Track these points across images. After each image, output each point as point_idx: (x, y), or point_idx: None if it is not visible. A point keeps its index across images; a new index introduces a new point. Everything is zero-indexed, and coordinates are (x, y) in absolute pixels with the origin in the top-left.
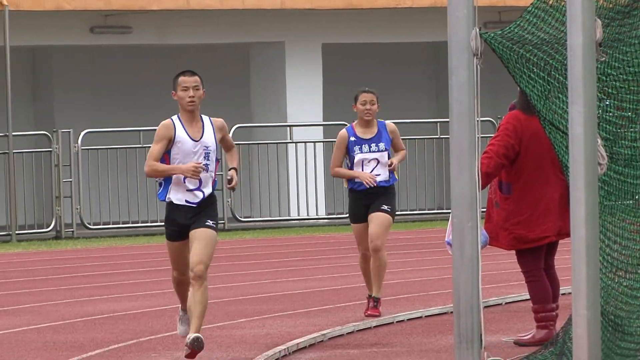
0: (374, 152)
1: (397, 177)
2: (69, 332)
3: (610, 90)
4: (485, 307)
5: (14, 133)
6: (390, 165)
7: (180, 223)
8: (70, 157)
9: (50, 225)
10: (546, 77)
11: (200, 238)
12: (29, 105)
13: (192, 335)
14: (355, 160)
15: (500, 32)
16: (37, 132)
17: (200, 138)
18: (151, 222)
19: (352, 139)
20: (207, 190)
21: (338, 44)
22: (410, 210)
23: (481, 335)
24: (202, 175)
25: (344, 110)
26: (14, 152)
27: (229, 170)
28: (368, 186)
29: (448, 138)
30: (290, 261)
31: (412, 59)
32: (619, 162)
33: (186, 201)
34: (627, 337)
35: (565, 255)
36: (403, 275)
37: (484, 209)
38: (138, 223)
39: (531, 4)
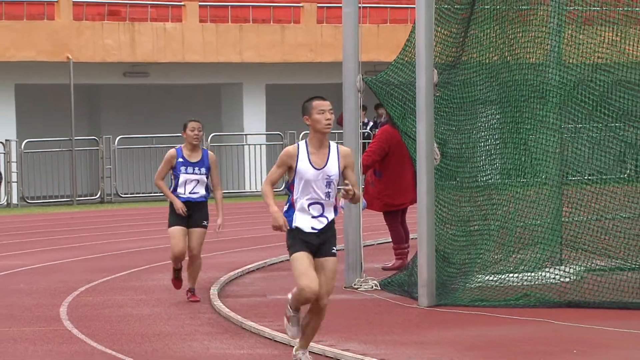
0: (196, 174)
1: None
2: (105, 261)
3: (442, 114)
4: (364, 246)
5: (75, 138)
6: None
7: (308, 242)
8: (110, 153)
9: (97, 194)
10: (403, 105)
11: (328, 269)
12: (85, 120)
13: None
14: (179, 180)
15: (375, 77)
16: (89, 137)
17: (324, 166)
18: (160, 193)
19: (180, 160)
20: (330, 215)
21: (276, 84)
22: None
23: (362, 263)
24: (324, 202)
25: (280, 125)
26: (75, 150)
27: (345, 184)
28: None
29: (342, 142)
30: (245, 217)
31: (322, 94)
32: (447, 157)
33: (312, 228)
34: (452, 266)
35: (413, 214)
36: None
37: (363, 186)
38: (151, 193)
39: (394, 60)
